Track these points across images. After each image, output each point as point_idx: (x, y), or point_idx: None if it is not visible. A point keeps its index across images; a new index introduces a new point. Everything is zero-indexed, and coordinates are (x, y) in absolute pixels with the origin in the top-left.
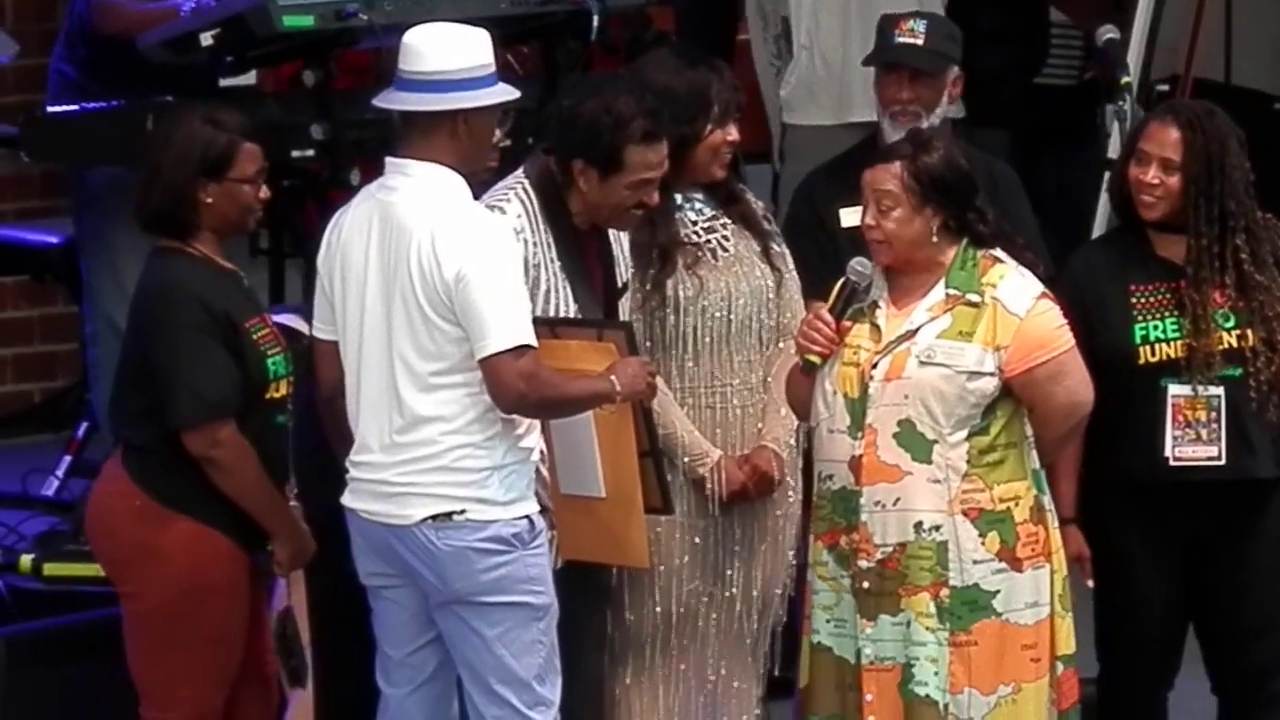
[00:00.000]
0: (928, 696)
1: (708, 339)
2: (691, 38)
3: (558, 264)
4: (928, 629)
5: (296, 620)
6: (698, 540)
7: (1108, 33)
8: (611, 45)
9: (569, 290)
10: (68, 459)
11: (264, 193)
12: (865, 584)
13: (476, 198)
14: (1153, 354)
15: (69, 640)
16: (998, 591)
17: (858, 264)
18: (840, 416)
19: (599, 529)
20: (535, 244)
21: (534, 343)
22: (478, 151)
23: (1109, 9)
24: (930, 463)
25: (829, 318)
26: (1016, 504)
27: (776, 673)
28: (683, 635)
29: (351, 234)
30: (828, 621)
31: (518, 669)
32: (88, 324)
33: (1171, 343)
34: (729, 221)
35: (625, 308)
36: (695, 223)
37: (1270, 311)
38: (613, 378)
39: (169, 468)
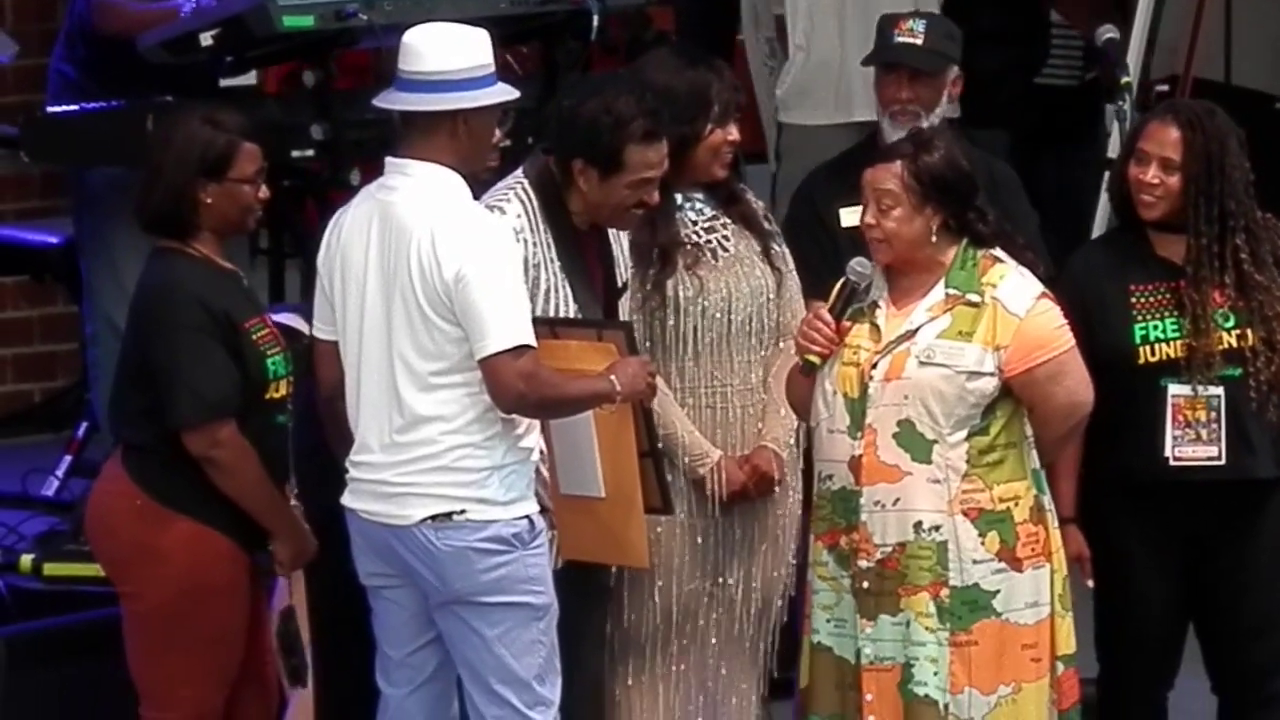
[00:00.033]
0: (927, 696)
1: (708, 339)
2: (691, 37)
3: (557, 264)
4: (927, 629)
5: (298, 619)
6: (698, 540)
7: (1107, 32)
8: (611, 45)
9: (569, 290)
10: (68, 459)
11: (264, 193)
12: (865, 584)
13: (477, 198)
14: (1152, 354)
15: (69, 640)
16: (998, 591)
17: (857, 264)
18: (840, 416)
19: (599, 529)
20: (535, 244)
21: (533, 343)
22: (477, 151)
23: (1109, 10)
24: (930, 463)
25: (829, 318)
26: (1016, 504)
27: (776, 673)
28: (683, 635)
29: (351, 234)
30: (828, 621)
31: (518, 669)
32: (88, 324)
33: (1171, 342)
34: (729, 222)
35: (625, 308)
36: (695, 223)
37: (1270, 311)
38: (612, 378)
39: (169, 468)
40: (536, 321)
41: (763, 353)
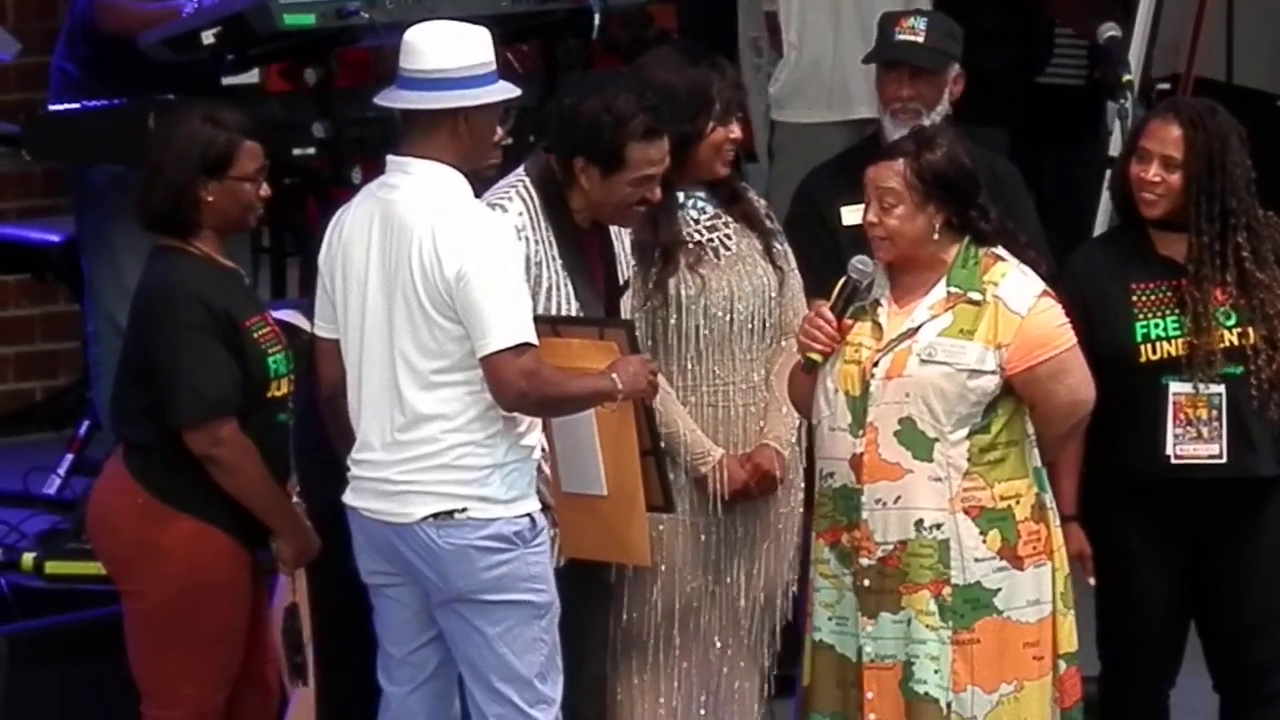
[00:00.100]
0: (927, 694)
1: (710, 338)
2: (693, 36)
3: (559, 262)
4: (928, 627)
5: (301, 617)
6: (700, 539)
7: (1109, 30)
8: (613, 43)
9: (571, 288)
10: (69, 457)
11: (265, 191)
12: (866, 582)
13: (478, 196)
14: (1154, 352)
15: (71, 638)
16: (999, 589)
17: (859, 262)
18: (841, 414)
19: (601, 527)
20: (537, 242)
21: (535, 341)
22: (479, 149)
23: (1110, 8)
24: (931, 461)
25: (830, 316)
26: (1018, 502)
27: (777, 671)
28: (685, 633)
29: (353, 232)
30: (829, 619)
31: (519, 667)
32: (89, 322)
33: (1173, 341)
34: (731, 220)
35: (627, 306)
36: (697, 221)
37: (1271, 309)
38: (614, 376)
39: (170, 466)
40: (538, 320)
41: (764, 351)
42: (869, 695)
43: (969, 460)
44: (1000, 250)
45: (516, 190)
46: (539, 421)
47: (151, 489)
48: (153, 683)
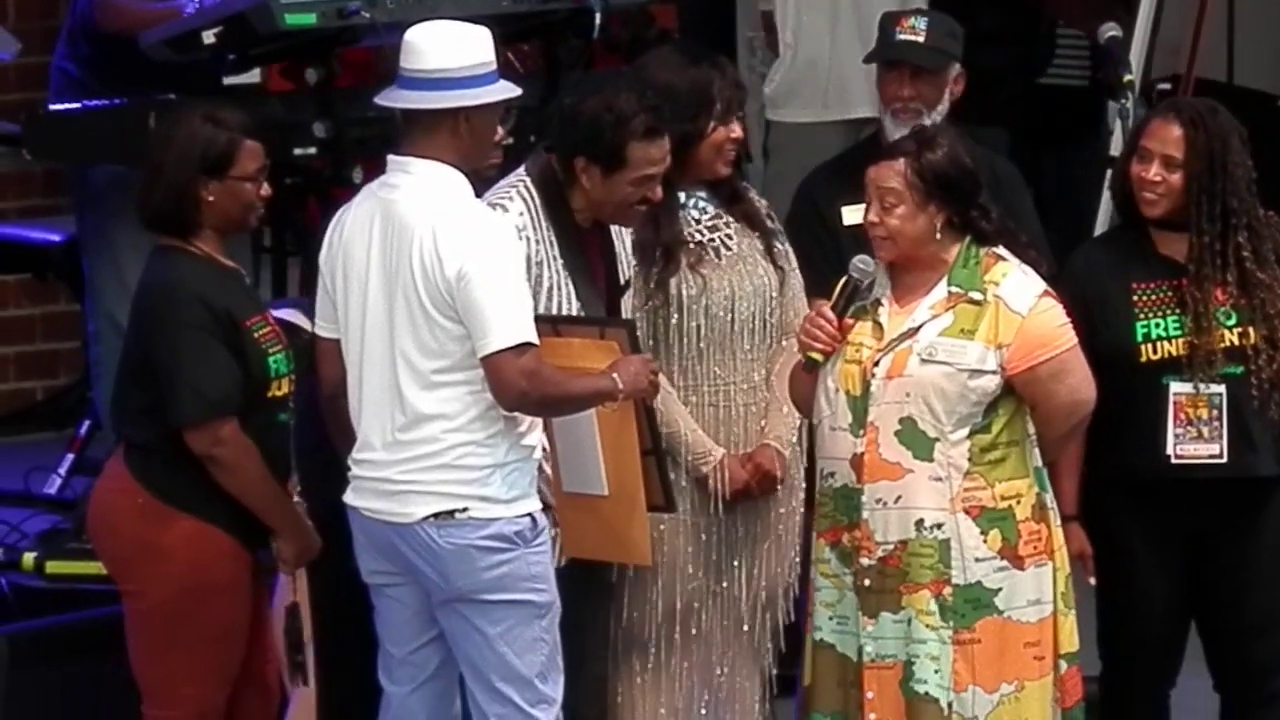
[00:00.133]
0: (927, 694)
1: (711, 337)
2: (694, 35)
3: (560, 261)
4: (928, 627)
5: (302, 617)
6: (701, 538)
7: (1110, 30)
8: (614, 43)
9: (571, 288)
10: (70, 457)
11: (265, 190)
12: (866, 581)
13: (479, 195)
14: (1154, 352)
15: (71, 638)
16: (1000, 589)
17: (860, 261)
18: (842, 414)
19: (601, 527)
20: (538, 241)
21: (536, 340)
22: (480, 149)
23: (1108, 9)
24: (932, 460)
25: (831, 315)
26: (1018, 502)
27: (778, 671)
28: (686, 633)
29: (354, 232)
30: (830, 619)
31: (520, 667)
32: (90, 322)
33: (1173, 340)
34: (732, 220)
35: (628, 305)
36: (698, 221)
37: (1272, 309)
38: (615, 375)
39: (171, 466)
40: (539, 319)
41: (765, 351)
42: (869, 695)
43: (970, 460)
44: (1001, 250)
45: (517, 190)
46: (540, 421)
47: (152, 489)
48: (153, 682)
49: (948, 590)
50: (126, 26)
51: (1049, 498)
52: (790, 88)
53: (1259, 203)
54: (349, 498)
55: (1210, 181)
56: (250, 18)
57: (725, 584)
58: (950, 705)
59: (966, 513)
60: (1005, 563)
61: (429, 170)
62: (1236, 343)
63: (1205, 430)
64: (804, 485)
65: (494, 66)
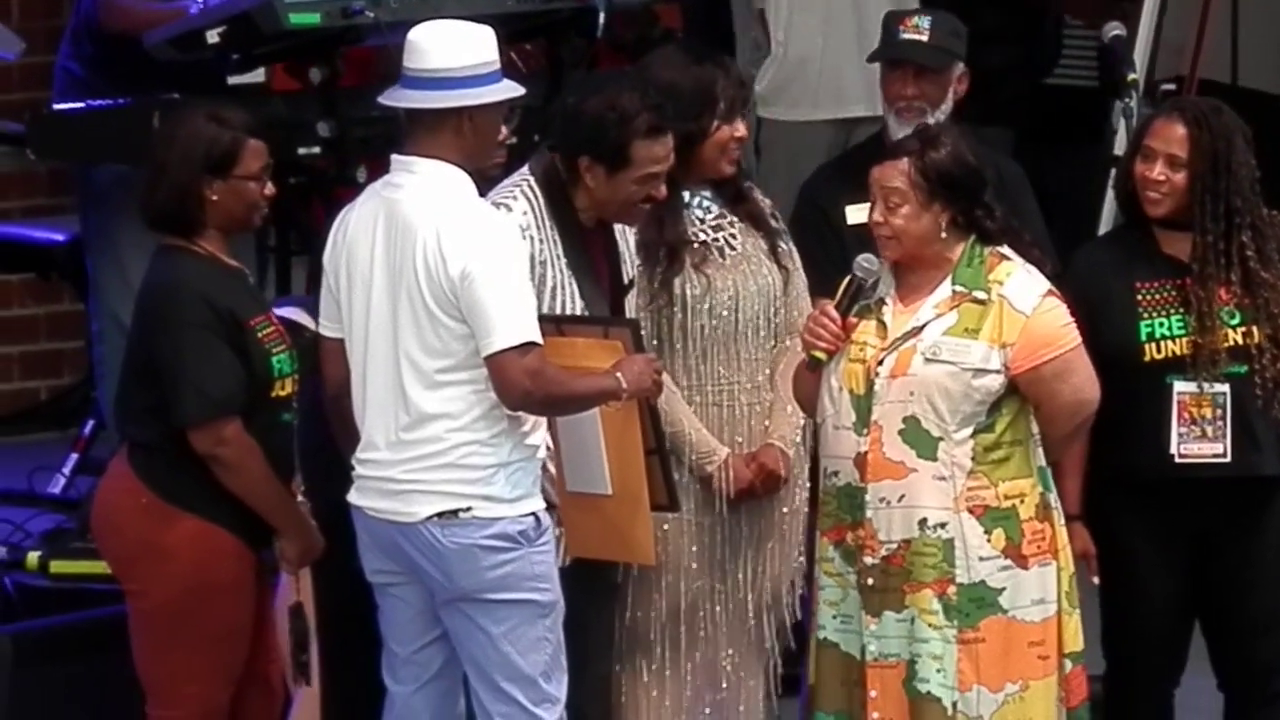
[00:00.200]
0: (930, 693)
1: (715, 337)
2: (698, 35)
3: (564, 261)
4: (931, 626)
5: (306, 616)
6: (705, 538)
7: (1114, 29)
8: (618, 42)
9: (575, 287)
10: (74, 456)
11: (269, 189)
12: (870, 580)
13: (483, 195)
14: (1158, 351)
15: (75, 638)
16: (1004, 589)
17: (864, 260)
18: (846, 413)
19: (606, 526)
20: (541, 241)
21: (539, 340)
22: (483, 148)
23: (1114, 6)
24: (935, 460)
25: (835, 314)
26: (1022, 501)
27: (783, 670)
28: (690, 633)
29: (357, 231)
30: (834, 618)
31: (524, 666)
32: (94, 321)
33: (1177, 340)
34: (736, 220)
35: (631, 305)
36: (702, 221)
37: (1276, 308)
38: (618, 375)
39: (175, 465)
40: (543, 319)
41: (769, 350)
42: (872, 694)
43: (973, 459)
44: (1005, 249)
45: (521, 189)
46: (543, 420)
47: (156, 488)
48: (157, 682)
49: (952, 590)
50: (130, 26)
51: (1053, 497)
52: (781, 85)
53: (1263, 202)
54: (353, 497)
55: (1214, 181)
56: (254, 17)
57: (729, 583)
58: (955, 704)
59: (970, 512)
60: (1009, 562)
61: (433, 170)
62: (1240, 342)
63: (1209, 430)
64: (808, 484)
65: (497, 66)
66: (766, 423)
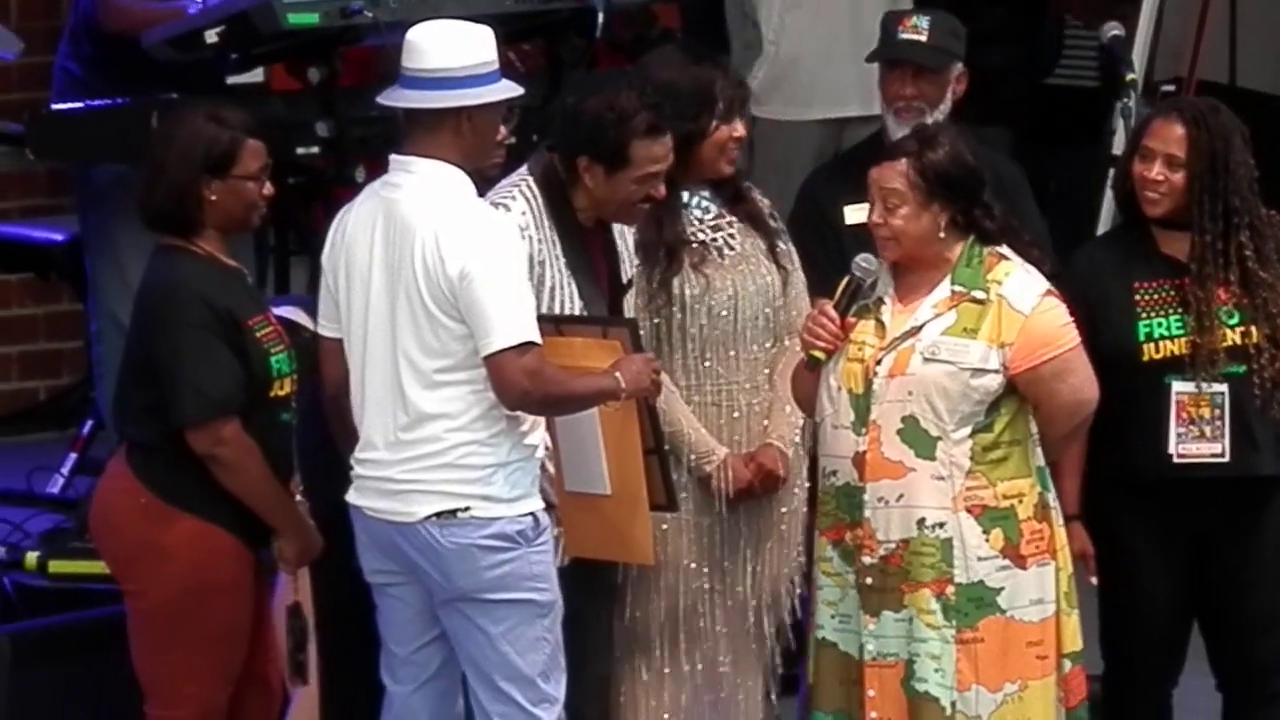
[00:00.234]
0: (927, 693)
1: (714, 337)
2: (697, 34)
3: (563, 261)
4: (929, 626)
5: (304, 616)
6: (704, 538)
7: (1112, 30)
8: (616, 42)
9: (574, 287)
10: (73, 456)
11: (268, 189)
12: (869, 580)
13: (482, 195)
14: (1157, 351)
15: (74, 638)
16: (1002, 589)
17: (863, 260)
18: (845, 412)
19: (604, 526)
20: (540, 241)
21: (538, 339)
22: (482, 148)
23: (1116, 6)
24: (934, 459)
25: (834, 313)
26: (1020, 501)
27: (782, 670)
28: (689, 632)
29: (356, 231)
30: (832, 617)
31: (522, 666)
32: (92, 321)
33: (1175, 340)
34: (735, 220)
35: (630, 305)
36: (701, 221)
37: (1274, 308)
38: (617, 374)
39: (173, 465)
40: (541, 318)
41: (768, 351)
42: (870, 693)
43: (972, 459)
44: (1004, 249)
45: (520, 189)
46: (542, 420)
47: (154, 488)
48: (156, 682)
49: (950, 589)
50: (129, 26)
51: (1051, 497)
52: (772, 84)
53: (1261, 202)
54: (351, 497)
55: (1212, 180)
56: (253, 17)
57: (728, 583)
58: (953, 704)
59: (968, 512)
60: (1007, 562)
61: (431, 170)
62: (1239, 342)
63: (1207, 429)
64: (807, 484)
65: (496, 66)
66: (765, 422)
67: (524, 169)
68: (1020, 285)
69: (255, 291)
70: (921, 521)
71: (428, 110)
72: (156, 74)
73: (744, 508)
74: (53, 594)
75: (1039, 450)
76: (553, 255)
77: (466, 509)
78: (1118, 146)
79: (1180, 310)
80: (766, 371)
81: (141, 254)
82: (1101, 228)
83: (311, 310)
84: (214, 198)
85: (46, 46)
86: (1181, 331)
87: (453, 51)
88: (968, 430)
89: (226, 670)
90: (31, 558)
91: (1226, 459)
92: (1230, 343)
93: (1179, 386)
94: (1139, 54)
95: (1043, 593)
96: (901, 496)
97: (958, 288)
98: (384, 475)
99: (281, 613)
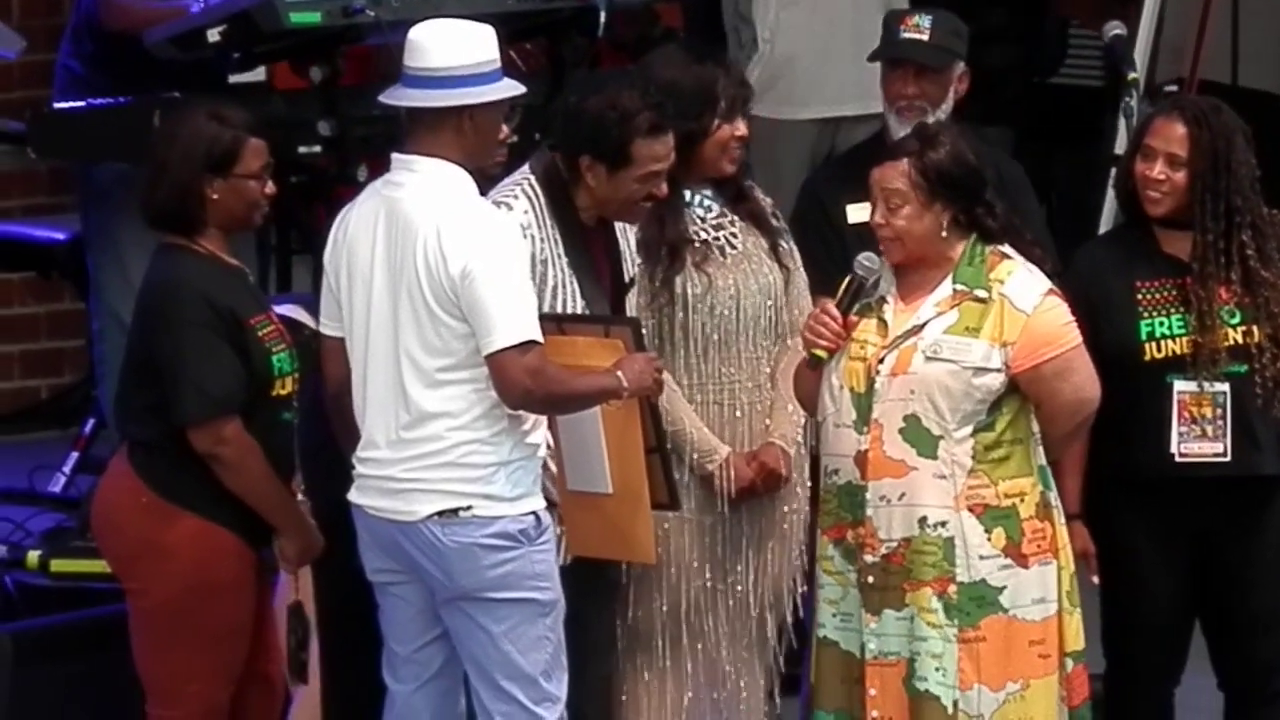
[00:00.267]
0: (928, 692)
1: (716, 336)
2: (699, 34)
3: (565, 259)
4: (930, 624)
5: (306, 615)
6: (706, 537)
7: (1114, 29)
8: (619, 41)
9: (576, 286)
10: (74, 455)
11: (270, 188)
12: (870, 578)
13: (484, 194)
14: (1158, 350)
15: (76, 637)
16: (1004, 587)
17: (865, 259)
18: (846, 411)
19: (606, 525)
20: (542, 239)
21: (540, 338)
22: (484, 147)
23: (1115, 6)
24: (936, 458)
25: (836, 312)
26: (1022, 500)
27: (784, 669)
28: (691, 632)
29: (358, 230)
30: (834, 616)
31: (524, 665)
32: (94, 320)
33: (1177, 339)
34: (737, 219)
35: (632, 303)
36: (703, 220)
37: (1276, 307)
38: (619, 373)
39: (175, 464)
40: (543, 317)
41: (770, 350)
42: (871, 692)
43: (973, 458)
44: (1006, 248)
45: (522, 188)
46: (544, 419)
47: (156, 487)
48: (157, 681)
49: (952, 588)
50: (131, 24)
51: (1053, 496)
52: (767, 83)
53: (1263, 201)
54: (353, 496)
55: (1214, 180)
56: (255, 16)
57: (730, 582)
58: (956, 703)
59: (970, 510)
60: (1009, 561)
61: (433, 168)
62: (1240, 341)
63: (1209, 429)
64: (809, 483)
65: (498, 64)
66: (767, 421)
67: (526, 168)
68: (1022, 284)
69: (257, 290)
70: (923, 520)
71: (430, 109)
72: (158, 72)
73: (746, 507)
74: (54, 593)
75: (1041, 449)
76: (555, 254)
77: (468, 508)
78: (1119, 145)
79: (1182, 309)
80: (768, 370)
81: (143, 253)
82: (1103, 227)
83: (313, 309)
84: (216, 196)
85: (48, 45)
86: (1183, 331)
87: (455, 50)
88: (969, 429)
89: (228, 669)
90: (33, 556)
91: (1228, 458)
92: (1232, 342)
93: (1181, 386)
94: (1140, 54)
95: (1045, 592)
96: (903, 495)
97: (960, 286)
98: (386, 474)
99: (283, 612)
